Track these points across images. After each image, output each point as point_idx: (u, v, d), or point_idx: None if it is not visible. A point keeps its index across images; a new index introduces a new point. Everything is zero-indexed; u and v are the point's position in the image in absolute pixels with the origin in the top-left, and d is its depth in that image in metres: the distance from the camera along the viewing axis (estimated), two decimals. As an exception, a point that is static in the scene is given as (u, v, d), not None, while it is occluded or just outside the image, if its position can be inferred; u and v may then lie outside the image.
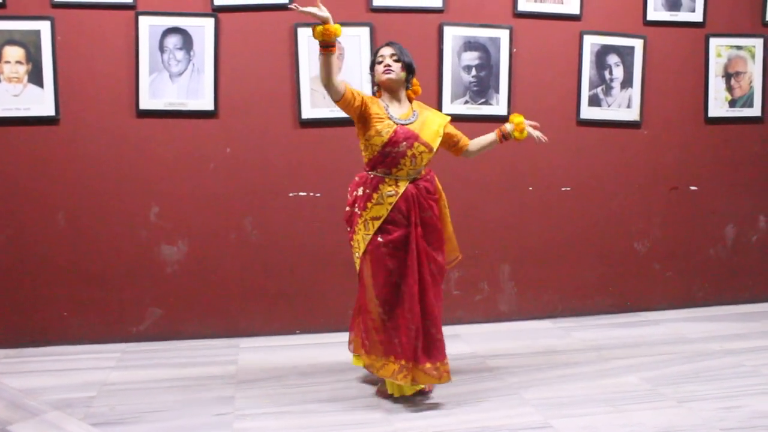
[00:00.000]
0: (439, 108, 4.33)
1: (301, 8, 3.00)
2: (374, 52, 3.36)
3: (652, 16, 4.60)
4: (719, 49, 4.73)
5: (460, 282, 4.49)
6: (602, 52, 4.55)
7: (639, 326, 4.50)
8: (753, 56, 4.79)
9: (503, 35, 4.37)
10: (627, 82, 4.60)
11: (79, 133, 4.07)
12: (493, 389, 3.45)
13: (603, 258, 4.70)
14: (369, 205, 3.23)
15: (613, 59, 4.58)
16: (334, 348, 4.07)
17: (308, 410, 3.23)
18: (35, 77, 3.99)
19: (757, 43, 4.78)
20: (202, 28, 4.09)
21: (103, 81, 4.06)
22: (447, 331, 4.28)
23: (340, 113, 4.22)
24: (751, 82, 4.82)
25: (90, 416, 3.15)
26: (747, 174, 4.89)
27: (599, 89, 4.57)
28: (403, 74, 3.26)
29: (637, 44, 4.58)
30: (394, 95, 3.30)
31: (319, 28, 3.00)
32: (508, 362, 3.83)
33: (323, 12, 2.98)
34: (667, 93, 4.70)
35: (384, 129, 3.19)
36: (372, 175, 3.26)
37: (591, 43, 4.52)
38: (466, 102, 4.37)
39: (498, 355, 3.96)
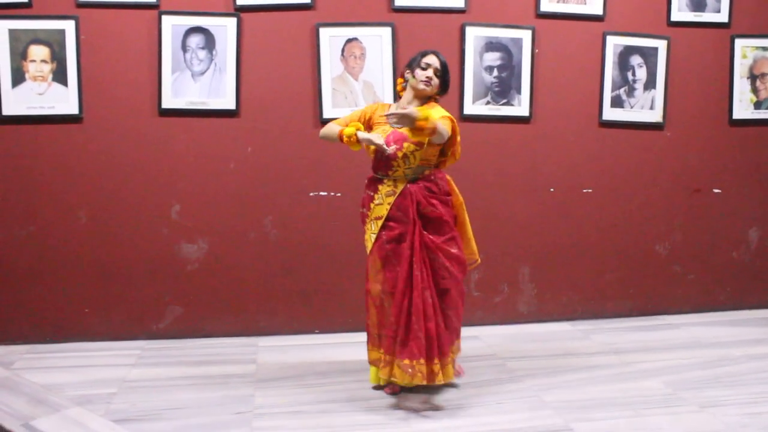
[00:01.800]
0: (461, 108, 4.32)
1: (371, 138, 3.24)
2: (421, 53, 3.34)
3: (676, 16, 4.56)
4: (744, 50, 4.68)
5: (480, 283, 4.47)
6: (625, 53, 4.51)
7: (659, 329, 4.46)
8: (779, 58, 4.73)
9: (525, 36, 4.35)
10: (650, 84, 4.56)
11: (102, 132, 4.10)
12: (512, 391, 3.43)
13: (623, 260, 4.67)
14: (372, 205, 3.35)
15: (636, 60, 4.54)
16: (352, 348, 4.07)
17: (326, 410, 3.23)
18: (60, 76, 4.03)
19: (784, 45, 4.72)
20: (225, 28, 4.11)
21: (126, 80, 4.09)
22: (466, 332, 4.28)
23: (360, 113, 4.23)
24: (776, 84, 4.76)
25: (111, 413, 3.17)
26: (771, 177, 4.83)
27: (622, 90, 4.54)
28: (436, 91, 3.34)
29: (661, 45, 4.54)
30: (415, 101, 3.34)
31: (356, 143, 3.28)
32: (527, 364, 3.81)
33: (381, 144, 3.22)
34: (691, 94, 4.65)
35: (378, 131, 3.33)
36: (374, 177, 3.38)
37: (614, 43, 4.48)
38: (488, 103, 4.36)
39: (517, 357, 3.94)
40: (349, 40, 4.20)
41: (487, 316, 4.48)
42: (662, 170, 4.66)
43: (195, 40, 4.10)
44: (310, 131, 4.24)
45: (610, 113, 4.52)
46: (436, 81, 3.29)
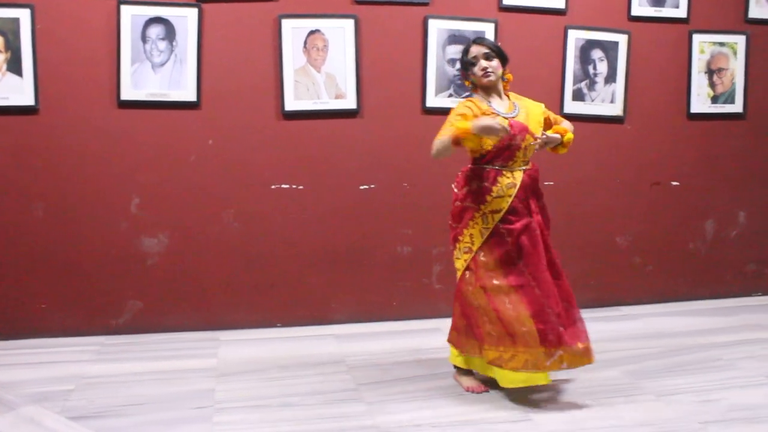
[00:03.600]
0: (423, 101, 4.32)
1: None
2: (464, 51, 3.30)
3: (636, 11, 4.61)
4: (702, 45, 4.76)
5: (442, 276, 4.49)
6: (586, 47, 4.56)
7: (619, 320, 4.52)
8: (735, 53, 4.81)
9: (488, 29, 4.36)
10: (611, 77, 4.61)
11: (58, 124, 4.02)
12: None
13: (585, 252, 4.72)
14: (489, 198, 3.20)
15: (597, 54, 4.59)
16: (315, 341, 4.07)
17: (288, 403, 3.21)
18: (14, 66, 3.94)
19: (740, 40, 4.80)
20: (185, 18, 4.05)
21: (84, 70, 4.01)
22: (428, 324, 4.33)
23: (323, 105, 4.22)
24: (733, 78, 4.84)
25: (67, 410, 3.12)
26: (727, 170, 4.92)
27: (583, 84, 4.58)
28: (500, 71, 3.27)
29: (622, 39, 4.59)
30: (492, 90, 3.29)
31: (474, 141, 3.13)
32: (489, 356, 3.84)
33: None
34: (651, 88, 4.72)
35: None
36: (488, 169, 3.23)
37: (575, 37, 4.52)
38: (450, 95, 4.37)
39: (479, 349, 3.96)
40: (311, 32, 4.17)
41: (450, 308, 4.46)
42: (622, 163, 4.72)
43: (155, 31, 4.04)
44: (272, 123, 4.21)
45: (571, 106, 4.57)
46: (493, 64, 3.21)
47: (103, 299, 4.14)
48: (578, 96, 4.58)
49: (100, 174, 4.08)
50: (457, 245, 3.30)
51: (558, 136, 3.28)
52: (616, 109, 4.65)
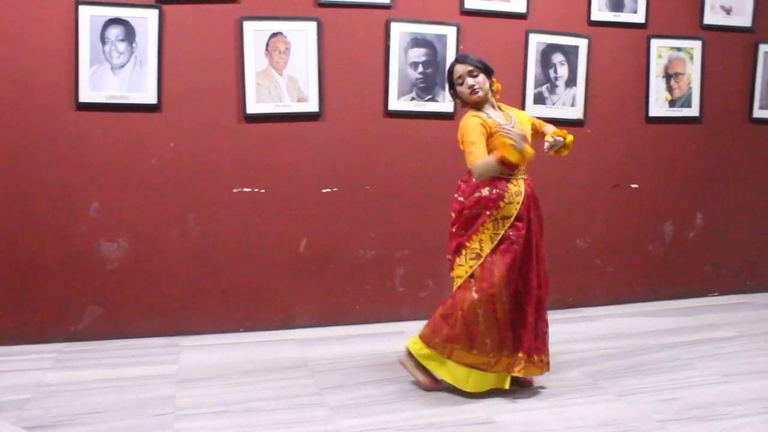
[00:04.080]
0: (385, 104, 4.33)
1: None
2: (449, 71, 3.37)
3: (596, 16, 4.67)
4: (660, 50, 4.84)
5: (405, 279, 4.49)
6: (547, 51, 4.61)
7: (580, 321, 4.58)
8: (692, 58, 4.91)
9: (450, 32, 4.38)
10: (571, 81, 4.67)
11: (15, 126, 3.93)
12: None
13: (546, 254, 4.74)
14: (502, 204, 3.26)
15: (558, 58, 4.64)
16: (277, 345, 4.04)
17: (250, 409, 3.19)
18: (-32, 67, 3.85)
19: (696, 45, 4.90)
20: (146, 20, 4.00)
21: (41, 72, 3.93)
22: (391, 328, 4.34)
23: (285, 108, 4.20)
24: (689, 83, 4.93)
25: (23, 420, 3.05)
26: (685, 172, 5.01)
27: (544, 87, 4.63)
28: (487, 85, 3.32)
29: (582, 44, 4.65)
30: (484, 104, 3.35)
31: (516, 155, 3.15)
32: (452, 358, 3.85)
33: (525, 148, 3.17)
34: (610, 92, 4.79)
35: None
36: (497, 177, 3.28)
37: (537, 41, 4.57)
38: (413, 98, 4.38)
39: (443, 352, 3.98)
40: (273, 35, 4.15)
41: (413, 311, 4.49)
42: (583, 166, 4.78)
43: (114, 32, 3.98)
44: (233, 126, 4.18)
45: (532, 110, 4.60)
46: (479, 80, 3.28)
47: (61, 305, 4.06)
48: (539, 99, 4.62)
49: (58, 177, 4.00)
50: (463, 252, 3.31)
51: (561, 138, 3.40)
52: (576, 113, 4.71)
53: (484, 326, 3.25)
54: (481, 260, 3.27)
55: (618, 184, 4.88)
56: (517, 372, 3.29)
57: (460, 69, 3.31)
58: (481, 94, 3.30)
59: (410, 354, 3.44)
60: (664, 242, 5.03)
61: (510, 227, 3.27)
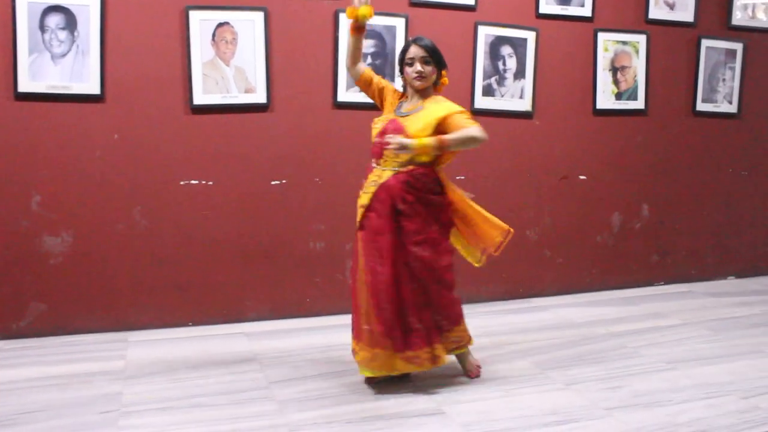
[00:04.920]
0: (334, 97, 4.30)
1: None
2: (402, 49, 3.29)
3: (544, 9, 4.72)
4: (606, 43, 4.90)
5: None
6: (496, 43, 4.63)
7: (530, 312, 4.63)
8: (637, 51, 4.99)
9: (399, 24, 4.37)
10: (520, 73, 4.70)
11: (-50, 117, 3.81)
12: (385, 377, 3.45)
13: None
14: (360, 192, 3.27)
15: (506, 50, 4.66)
16: (226, 339, 3.99)
17: (198, 404, 3.14)
18: None
19: (641, 39, 4.98)
20: (87, 8, 3.89)
21: (-23, 61, 3.81)
22: (340, 320, 4.30)
23: (233, 99, 4.14)
24: (635, 76, 5.02)
25: (-39, 418, 2.96)
26: (632, 164, 5.10)
27: (493, 80, 4.65)
28: (434, 76, 3.28)
29: (530, 36, 4.69)
30: (420, 92, 3.29)
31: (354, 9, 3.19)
32: (403, 350, 3.85)
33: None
34: (558, 85, 4.84)
35: (380, 122, 3.28)
36: (370, 164, 3.30)
37: (485, 33, 4.59)
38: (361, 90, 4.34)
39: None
40: (220, 24, 4.08)
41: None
42: (531, 158, 4.83)
43: (54, 20, 3.87)
44: (180, 117, 4.10)
45: (481, 101, 4.63)
46: (428, 69, 3.23)
47: (2, 302, 3.94)
48: (488, 92, 4.65)
49: (-4, 170, 3.89)
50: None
51: (410, 141, 3.09)
52: (525, 105, 4.75)
53: (353, 308, 3.36)
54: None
55: (566, 176, 4.94)
56: (377, 370, 3.28)
57: (414, 51, 3.25)
58: (424, 84, 3.26)
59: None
60: (612, 233, 5.12)
61: (363, 218, 3.26)
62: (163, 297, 4.18)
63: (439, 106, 3.25)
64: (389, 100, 3.36)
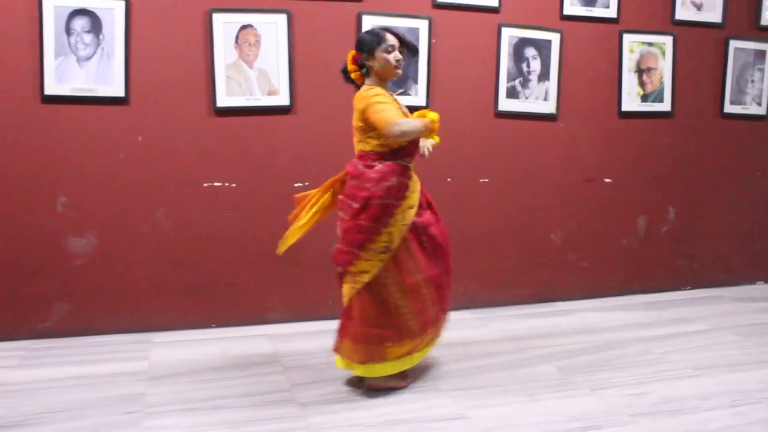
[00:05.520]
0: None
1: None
2: (377, 37, 3.17)
3: (568, 10, 4.67)
4: (632, 45, 4.85)
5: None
6: (520, 45, 4.60)
7: (553, 316, 4.58)
8: (663, 53, 4.93)
9: (422, 26, 4.36)
10: (544, 75, 4.66)
11: (-23, 119, 3.85)
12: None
13: (520, 248, 4.77)
14: (408, 193, 3.21)
15: (530, 52, 4.63)
16: (249, 341, 4.00)
17: (221, 405, 3.15)
18: (-71, 59, 3.76)
19: (668, 41, 4.92)
20: (112, 11, 3.92)
21: (5, 64, 3.84)
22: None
23: (256, 102, 4.15)
24: (661, 77, 4.95)
25: (-13, 418, 2.99)
26: (658, 167, 5.03)
27: (517, 82, 4.62)
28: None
29: (554, 38, 4.65)
30: (380, 82, 3.25)
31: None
32: (425, 353, 3.83)
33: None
34: (583, 87, 4.79)
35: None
36: (400, 163, 3.22)
37: (509, 35, 4.56)
38: (386, 92, 4.34)
39: (416, 347, 3.96)
40: (243, 27, 4.09)
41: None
42: (556, 160, 4.79)
43: (80, 23, 3.90)
44: (203, 120, 4.12)
45: (505, 104, 4.60)
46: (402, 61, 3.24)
47: (28, 302, 3.98)
48: (512, 94, 4.61)
49: (23, 172, 3.92)
50: (369, 246, 3.14)
51: (426, 126, 3.16)
52: (549, 107, 4.71)
53: (404, 318, 3.20)
54: (392, 252, 3.16)
55: (591, 179, 4.89)
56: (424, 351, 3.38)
57: (392, 39, 3.20)
58: (400, 73, 3.25)
59: (365, 379, 3.33)
60: (637, 236, 5.06)
61: (417, 215, 3.25)
62: (186, 298, 4.19)
63: (370, 92, 3.20)
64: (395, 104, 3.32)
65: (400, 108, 3.25)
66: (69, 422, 2.97)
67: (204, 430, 2.92)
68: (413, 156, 3.28)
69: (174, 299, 4.18)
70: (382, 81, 3.26)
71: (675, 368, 3.64)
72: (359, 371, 3.28)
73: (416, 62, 4.35)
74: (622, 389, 3.36)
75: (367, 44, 3.19)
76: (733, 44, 5.08)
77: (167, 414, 3.06)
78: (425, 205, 3.33)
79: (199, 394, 3.28)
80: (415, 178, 3.28)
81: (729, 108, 5.15)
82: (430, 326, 3.32)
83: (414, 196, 3.23)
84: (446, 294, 3.40)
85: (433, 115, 3.15)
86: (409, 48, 3.29)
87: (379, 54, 3.18)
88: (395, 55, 3.19)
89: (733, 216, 5.29)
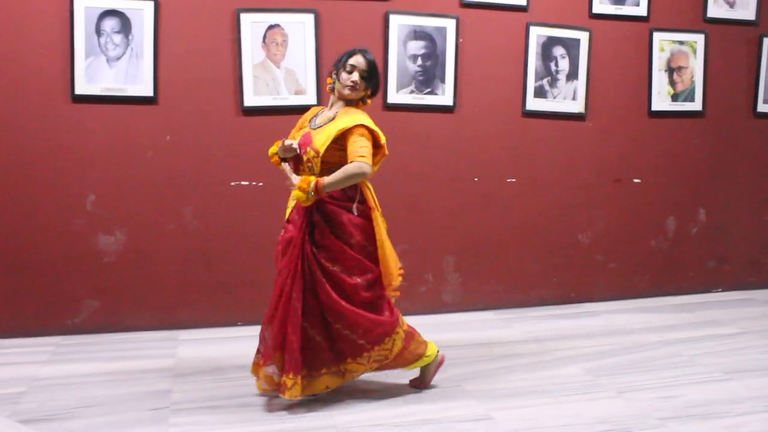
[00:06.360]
0: (384, 98, 4.28)
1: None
2: (347, 53, 3.14)
3: (597, 9, 4.63)
4: (662, 43, 4.79)
5: (404, 273, 4.45)
6: (548, 44, 4.56)
7: (580, 317, 4.54)
8: (695, 51, 4.86)
9: (450, 25, 4.34)
10: (572, 75, 4.62)
11: (11, 119, 3.90)
12: (435, 381, 3.42)
13: (547, 249, 4.73)
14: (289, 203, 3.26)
15: (558, 51, 4.59)
16: (276, 340, 4.01)
17: (246, 403, 3.16)
18: (-37, 59, 3.82)
19: (699, 39, 4.84)
20: (141, 12, 3.96)
21: (37, 64, 3.90)
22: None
23: (283, 101, 4.17)
24: (692, 76, 4.88)
25: (18, 413, 3.03)
26: (688, 167, 4.96)
27: (545, 81, 4.59)
28: (363, 94, 3.17)
29: (583, 37, 4.60)
30: (340, 101, 3.19)
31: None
32: (450, 354, 3.79)
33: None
34: (612, 86, 4.74)
35: (299, 135, 3.22)
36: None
37: (537, 34, 4.52)
38: (412, 92, 4.34)
39: (441, 347, 3.90)
40: (270, 27, 4.11)
41: (412, 305, 4.46)
42: (584, 160, 4.74)
43: (110, 24, 3.95)
44: (231, 119, 4.15)
45: (533, 103, 4.57)
46: (362, 84, 3.12)
47: (58, 298, 4.04)
48: (540, 93, 4.58)
49: (54, 170, 3.98)
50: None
51: (296, 185, 3.06)
52: (577, 107, 4.66)
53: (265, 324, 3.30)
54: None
55: (620, 179, 4.84)
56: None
57: (358, 61, 3.12)
58: (352, 95, 3.13)
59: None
60: (667, 238, 4.99)
61: (283, 229, 3.30)
62: (213, 296, 4.22)
63: (347, 118, 3.08)
64: (304, 123, 3.28)
65: (304, 128, 3.24)
66: (97, 417, 3.01)
67: (229, 427, 2.93)
68: (296, 171, 3.19)
69: (201, 297, 4.21)
70: (342, 100, 3.18)
71: (704, 372, 3.58)
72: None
73: (443, 61, 4.33)
74: (650, 392, 3.32)
75: (336, 61, 3.20)
76: (767, 42, 4.99)
77: (193, 411, 3.08)
78: (298, 224, 3.13)
79: (224, 392, 3.30)
80: (292, 194, 3.10)
81: (762, 107, 5.06)
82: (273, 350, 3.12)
83: (288, 210, 3.25)
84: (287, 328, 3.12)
85: (271, 150, 3.29)
86: (371, 80, 3.16)
87: (340, 72, 3.15)
88: (351, 77, 3.11)
89: (766, 217, 5.20)
